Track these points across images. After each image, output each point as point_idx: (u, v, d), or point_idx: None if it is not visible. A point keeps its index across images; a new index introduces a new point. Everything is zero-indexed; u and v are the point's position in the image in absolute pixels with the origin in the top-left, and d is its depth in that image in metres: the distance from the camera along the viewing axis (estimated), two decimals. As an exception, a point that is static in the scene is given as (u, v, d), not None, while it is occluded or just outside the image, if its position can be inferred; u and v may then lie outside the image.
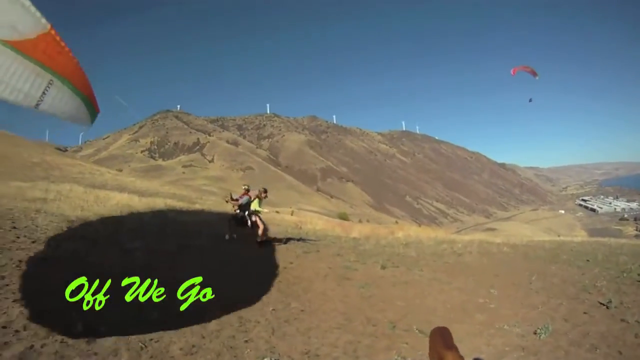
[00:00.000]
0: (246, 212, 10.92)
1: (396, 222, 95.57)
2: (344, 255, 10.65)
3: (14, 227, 8.22)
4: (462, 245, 13.10)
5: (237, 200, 11.16)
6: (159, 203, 16.96)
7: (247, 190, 11.32)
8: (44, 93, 5.07)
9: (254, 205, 10.88)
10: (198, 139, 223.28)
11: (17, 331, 4.25)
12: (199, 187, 64.43)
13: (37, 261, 6.33)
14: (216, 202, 28.56)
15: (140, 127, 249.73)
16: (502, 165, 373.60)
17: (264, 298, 6.82)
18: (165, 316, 5.29)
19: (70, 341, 4.30)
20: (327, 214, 64.02)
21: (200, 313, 5.65)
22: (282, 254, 10.25)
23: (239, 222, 10.96)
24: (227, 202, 12.03)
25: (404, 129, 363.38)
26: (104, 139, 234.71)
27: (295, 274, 8.57)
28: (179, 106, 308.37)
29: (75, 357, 4.07)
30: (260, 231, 10.74)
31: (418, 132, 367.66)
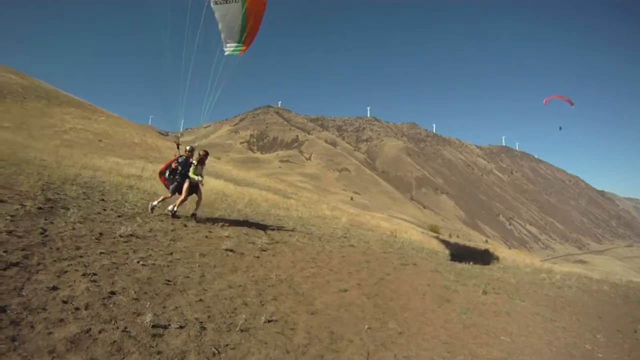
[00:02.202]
0: (185, 179, 8.84)
1: (486, 241, 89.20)
2: (443, 273, 9.73)
3: (103, 200, 8.21)
4: (560, 277, 12.37)
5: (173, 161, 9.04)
6: (254, 193, 17.37)
7: (191, 152, 9.05)
8: (225, 1, 7.32)
9: (191, 171, 8.86)
10: (297, 136, 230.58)
11: (77, 309, 3.82)
12: (294, 183, 66.45)
13: (118, 237, 6.07)
14: (310, 199, 28.67)
15: (242, 120, 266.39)
16: (602, 192, 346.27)
17: (359, 312, 6.05)
18: (251, 320, 4.75)
19: (133, 331, 3.76)
20: (418, 224, 61.69)
21: (288, 321, 5.06)
22: (379, 263, 9.50)
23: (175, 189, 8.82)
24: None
25: (503, 144, 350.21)
26: (204, 128, 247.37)
27: (393, 288, 7.69)
28: (280, 102, 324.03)
29: (135, 352, 3.50)
30: (178, 200, 8.70)
31: (517, 149, 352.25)
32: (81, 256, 4.99)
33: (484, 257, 14.79)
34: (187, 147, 8.93)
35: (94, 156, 16.02)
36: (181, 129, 9.01)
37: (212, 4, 7.32)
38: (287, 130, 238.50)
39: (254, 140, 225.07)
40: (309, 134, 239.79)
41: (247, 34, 7.80)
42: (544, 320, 7.46)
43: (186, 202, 8.88)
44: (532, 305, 8.32)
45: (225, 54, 8.12)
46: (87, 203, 7.56)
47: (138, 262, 5.35)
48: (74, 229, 5.83)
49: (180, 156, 8.85)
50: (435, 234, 30.73)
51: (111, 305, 4.07)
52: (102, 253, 5.27)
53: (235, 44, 8.08)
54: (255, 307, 5.17)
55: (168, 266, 5.57)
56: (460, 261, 12.31)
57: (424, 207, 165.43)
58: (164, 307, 4.41)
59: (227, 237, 7.98)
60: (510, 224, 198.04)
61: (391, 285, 7.76)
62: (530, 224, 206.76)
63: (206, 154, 9.26)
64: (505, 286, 9.70)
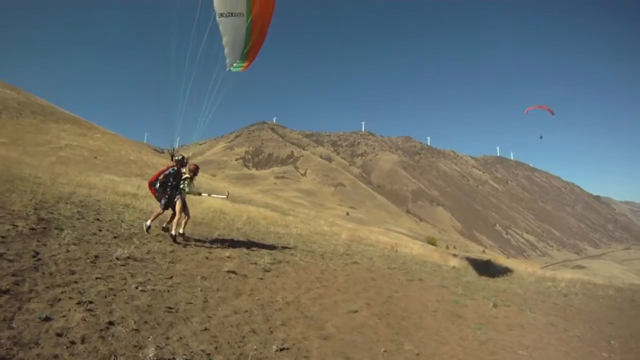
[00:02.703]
0: (175, 192, 8.17)
1: (483, 252, 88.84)
2: (450, 287, 9.51)
3: (98, 219, 7.85)
4: (565, 284, 12.34)
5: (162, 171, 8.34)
6: (252, 211, 16.99)
7: (182, 162, 8.40)
8: (231, 14, 7.27)
9: (185, 185, 8.34)
10: (292, 152, 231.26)
11: (72, 343, 3.48)
12: (290, 199, 65.95)
13: (115, 260, 5.71)
14: (308, 216, 28.32)
15: (237, 137, 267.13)
16: (597, 197, 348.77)
17: (373, 334, 5.74)
18: (261, 350, 4.44)
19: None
20: (415, 237, 61.46)
21: (300, 348, 4.76)
22: (385, 280, 9.20)
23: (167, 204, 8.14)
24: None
25: (498, 154, 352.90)
26: (200, 145, 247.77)
27: (403, 306, 7.40)
28: (274, 119, 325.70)
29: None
30: (174, 221, 8.02)
31: (512, 158, 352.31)
32: (76, 282, 4.64)
33: (487, 269, 14.61)
34: (177, 157, 8.30)
35: (90, 173, 15.63)
36: (176, 145, 8.59)
37: (217, 18, 7.20)
38: (282, 147, 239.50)
39: (249, 156, 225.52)
40: (304, 149, 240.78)
41: (250, 48, 7.69)
42: (558, 331, 7.38)
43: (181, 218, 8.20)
44: (543, 316, 8.25)
45: (227, 69, 7.93)
46: (82, 223, 7.20)
47: (137, 287, 5.00)
48: (68, 251, 5.48)
49: (172, 167, 8.25)
50: (433, 247, 30.47)
51: (110, 338, 3.73)
52: (98, 278, 4.92)
53: (238, 60, 7.95)
54: (264, 334, 4.86)
55: (168, 291, 5.22)
56: (465, 274, 12.13)
57: (420, 220, 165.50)
58: (167, 338, 4.08)
59: (228, 257, 7.62)
60: (507, 233, 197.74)
61: (401, 303, 7.49)
62: (527, 232, 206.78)
63: (196, 168, 8.70)
64: (514, 297, 9.59)
